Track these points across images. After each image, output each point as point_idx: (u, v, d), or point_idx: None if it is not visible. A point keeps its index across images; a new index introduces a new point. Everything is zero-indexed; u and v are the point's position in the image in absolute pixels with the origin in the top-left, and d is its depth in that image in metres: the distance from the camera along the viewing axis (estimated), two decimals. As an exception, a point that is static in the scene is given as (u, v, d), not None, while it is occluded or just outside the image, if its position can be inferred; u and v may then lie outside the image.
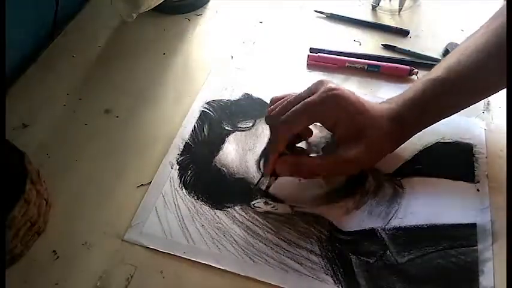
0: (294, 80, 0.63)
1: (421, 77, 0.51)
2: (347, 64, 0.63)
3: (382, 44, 0.66)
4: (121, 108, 0.59)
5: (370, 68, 0.62)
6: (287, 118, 0.46)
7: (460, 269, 0.45)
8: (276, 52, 0.67)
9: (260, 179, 0.52)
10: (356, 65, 0.63)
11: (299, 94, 0.48)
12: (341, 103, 0.46)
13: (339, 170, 0.49)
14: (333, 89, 0.46)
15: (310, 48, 0.66)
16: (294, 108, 0.46)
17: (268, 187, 0.50)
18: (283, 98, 0.50)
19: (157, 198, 0.50)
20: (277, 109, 0.48)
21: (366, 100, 0.49)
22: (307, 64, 0.64)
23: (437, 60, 0.61)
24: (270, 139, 0.52)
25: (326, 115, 0.47)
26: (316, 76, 0.63)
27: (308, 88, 0.48)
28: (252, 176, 0.52)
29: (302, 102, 0.46)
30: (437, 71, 0.49)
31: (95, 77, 0.64)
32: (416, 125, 0.50)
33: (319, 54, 0.64)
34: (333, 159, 0.48)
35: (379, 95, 0.58)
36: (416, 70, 0.61)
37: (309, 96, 0.47)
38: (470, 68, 0.48)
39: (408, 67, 0.61)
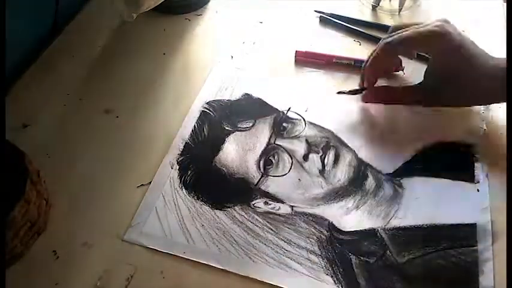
0: (294, 80, 0.63)
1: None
2: (334, 60, 0.64)
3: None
4: (121, 108, 0.59)
5: (357, 64, 0.62)
6: (399, 38, 0.53)
7: (460, 269, 0.45)
8: (276, 52, 0.67)
9: (260, 179, 0.52)
10: (343, 61, 0.64)
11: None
12: (446, 37, 0.51)
13: (427, 103, 0.56)
14: (440, 25, 0.52)
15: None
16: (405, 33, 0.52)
17: None
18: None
19: (157, 198, 0.51)
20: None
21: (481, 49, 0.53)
22: (295, 60, 0.65)
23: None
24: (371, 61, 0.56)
25: (429, 44, 0.53)
26: (315, 73, 0.63)
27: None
28: (252, 176, 0.52)
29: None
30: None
31: (95, 77, 0.64)
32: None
33: (306, 50, 0.65)
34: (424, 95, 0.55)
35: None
36: (403, 66, 0.61)
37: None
38: None
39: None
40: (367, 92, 0.58)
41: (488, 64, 0.52)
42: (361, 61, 0.61)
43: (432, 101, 0.56)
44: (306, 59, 0.64)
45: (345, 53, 0.65)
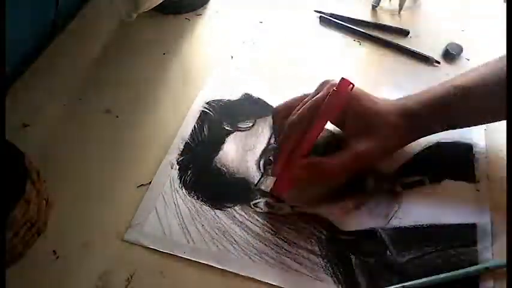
0: (294, 80, 0.63)
1: (442, 82, 0.51)
2: None
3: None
4: (121, 108, 0.59)
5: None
6: (297, 118, 0.47)
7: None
8: (276, 52, 0.67)
9: (260, 179, 0.52)
10: None
11: (307, 95, 0.49)
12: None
13: (355, 166, 0.48)
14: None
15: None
16: (302, 108, 0.47)
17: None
18: (289, 103, 0.50)
19: (157, 198, 0.50)
20: (292, 113, 0.48)
21: (374, 96, 0.49)
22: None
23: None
24: (278, 141, 0.51)
25: None
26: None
27: (315, 90, 0.49)
28: (252, 176, 0.52)
29: (310, 101, 0.47)
30: (461, 79, 0.50)
31: (95, 77, 0.64)
32: (427, 125, 0.50)
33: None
34: (349, 155, 0.47)
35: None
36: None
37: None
38: (494, 84, 0.48)
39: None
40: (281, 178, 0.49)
41: (380, 101, 0.50)
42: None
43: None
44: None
45: (345, 53, 0.65)
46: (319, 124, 0.47)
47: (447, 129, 0.51)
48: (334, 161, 0.48)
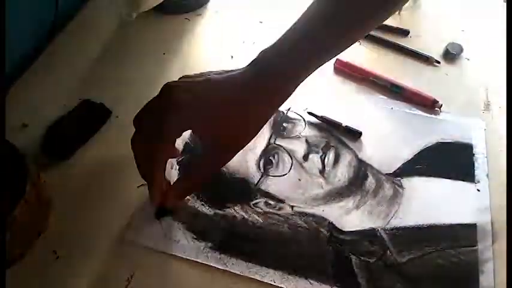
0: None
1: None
2: (371, 78, 0.62)
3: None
4: (121, 108, 0.59)
5: (393, 88, 0.61)
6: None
7: (460, 269, 0.45)
8: (276, 52, 0.66)
9: (260, 179, 0.52)
10: (380, 81, 0.61)
11: None
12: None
13: (223, 162, 0.45)
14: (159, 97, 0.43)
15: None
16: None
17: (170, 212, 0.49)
18: None
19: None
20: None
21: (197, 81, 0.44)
22: (334, 68, 0.64)
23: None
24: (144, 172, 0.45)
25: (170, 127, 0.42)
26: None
27: None
28: (252, 176, 0.52)
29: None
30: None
31: (95, 77, 0.64)
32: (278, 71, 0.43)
33: (347, 61, 0.63)
34: (212, 156, 0.44)
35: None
36: (440, 103, 0.58)
37: None
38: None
39: (432, 97, 0.59)
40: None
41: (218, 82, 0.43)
42: (398, 86, 0.60)
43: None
44: (344, 69, 0.63)
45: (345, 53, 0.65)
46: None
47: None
48: (204, 163, 0.45)
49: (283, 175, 0.52)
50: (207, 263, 0.46)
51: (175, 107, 0.41)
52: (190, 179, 0.47)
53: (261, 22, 0.71)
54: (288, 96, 0.44)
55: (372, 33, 0.68)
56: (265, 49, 0.44)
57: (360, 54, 0.66)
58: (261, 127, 0.44)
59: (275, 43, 0.44)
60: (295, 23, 0.44)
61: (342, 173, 0.52)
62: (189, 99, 0.41)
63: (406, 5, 0.70)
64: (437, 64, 0.64)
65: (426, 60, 0.64)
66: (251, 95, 0.42)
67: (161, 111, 0.41)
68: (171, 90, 0.42)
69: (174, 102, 0.41)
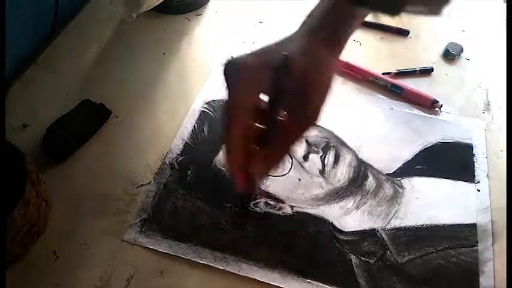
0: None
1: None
2: (371, 78, 0.62)
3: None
4: (121, 108, 0.59)
5: (393, 88, 0.61)
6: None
7: (460, 269, 0.45)
8: (276, 52, 0.66)
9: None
10: (379, 81, 0.61)
11: None
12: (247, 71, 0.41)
13: (309, 124, 0.42)
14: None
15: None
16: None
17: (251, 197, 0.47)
18: None
19: (157, 198, 0.50)
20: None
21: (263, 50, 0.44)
22: None
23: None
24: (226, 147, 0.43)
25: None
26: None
27: None
28: (252, 176, 0.52)
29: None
30: None
31: (95, 77, 0.64)
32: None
33: (346, 61, 0.63)
34: (299, 117, 0.41)
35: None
36: (440, 103, 0.58)
37: None
38: None
39: (432, 98, 0.59)
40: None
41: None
42: (398, 86, 0.60)
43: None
44: (344, 69, 0.63)
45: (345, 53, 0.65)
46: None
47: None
48: (291, 128, 0.42)
49: (283, 175, 0.52)
50: (206, 263, 0.46)
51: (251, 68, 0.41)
52: (277, 145, 0.42)
53: (261, 22, 0.71)
54: (344, 42, 0.45)
55: (372, 33, 0.68)
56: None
57: (360, 54, 0.66)
58: (333, 77, 0.43)
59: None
60: None
61: (342, 173, 0.52)
62: (262, 60, 0.41)
63: (406, 5, 0.71)
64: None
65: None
66: (315, 45, 0.43)
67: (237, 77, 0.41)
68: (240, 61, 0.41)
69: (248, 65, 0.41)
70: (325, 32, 0.43)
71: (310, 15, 0.46)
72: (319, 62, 0.42)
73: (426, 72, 0.63)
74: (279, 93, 0.40)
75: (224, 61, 0.41)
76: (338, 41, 0.44)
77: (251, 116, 0.42)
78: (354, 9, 0.44)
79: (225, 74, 0.41)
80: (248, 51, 0.42)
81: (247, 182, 0.44)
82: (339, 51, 0.45)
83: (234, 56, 0.41)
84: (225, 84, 0.41)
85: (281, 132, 0.42)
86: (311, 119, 0.42)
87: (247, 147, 0.42)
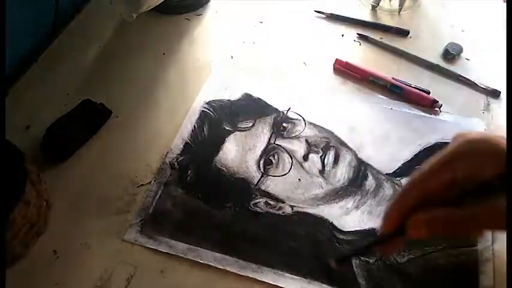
0: (294, 80, 0.63)
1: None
2: (370, 78, 0.62)
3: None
4: (121, 108, 0.59)
5: (393, 88, 0.60)
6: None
7: (460, 269, 0.45)
8: (276, 52, 0.67)
9: (260, 179, 0.52)
10: (379, 81, 0.61)
11: None
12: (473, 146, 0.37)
13: (494, 223, 0.36)
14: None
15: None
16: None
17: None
18: None
19: (157, 198, 0.50)
20: None
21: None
22: (334, 68, 0.64)
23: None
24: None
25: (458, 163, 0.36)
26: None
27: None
28: (252, 176, 0.52)
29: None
30: None
31: (95, 77, 0.64)
32: None
33: (346, 61, 0.63)
34: (487, 208, 0.35)
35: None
36: (440, 103, 0.58)
37: None
38: None
39: (431, 97, 0.58)
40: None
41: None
42: (397, 86, 0.60)
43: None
44: (343, 69, 0.63)
45: (345, 54, 0.65)
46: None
47: None
48: (469, 212, 0.35)
49: (283, 175, 0.52)
50: (206, 263, 0.46)
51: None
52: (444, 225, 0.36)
53: (261, 22, 0.71)
54: None
55: (372, 33, 0.68)
56: None
57: (360, 54, 0.66)
58: None
59: None
60: None
61: (342, 173, 0.52)
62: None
63: (406, 4, 0.71)
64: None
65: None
66: None
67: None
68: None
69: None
70: None
71: None
72: None
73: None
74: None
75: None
76: None
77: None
78: None
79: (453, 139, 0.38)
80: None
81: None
82: None
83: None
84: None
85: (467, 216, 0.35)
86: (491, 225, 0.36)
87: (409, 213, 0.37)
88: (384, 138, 0.56)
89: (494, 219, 0.35)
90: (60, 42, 0.68)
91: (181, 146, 0.55)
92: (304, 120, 0.57)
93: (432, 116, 0.58)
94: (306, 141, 0.55)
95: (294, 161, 0.53)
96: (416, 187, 0.37)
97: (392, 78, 0.61)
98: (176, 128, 0.57)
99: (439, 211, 0.35)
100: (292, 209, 0.50)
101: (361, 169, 0.53)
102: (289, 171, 0.52)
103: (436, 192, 0.36)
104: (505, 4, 0.72)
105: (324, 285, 0.44)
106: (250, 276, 0.45)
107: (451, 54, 0.64)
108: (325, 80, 0.62)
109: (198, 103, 0.60)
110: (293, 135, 0.56)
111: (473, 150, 0.37)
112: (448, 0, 0.74)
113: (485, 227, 0.37)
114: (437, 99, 0.58)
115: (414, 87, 0.60)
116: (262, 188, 0.51)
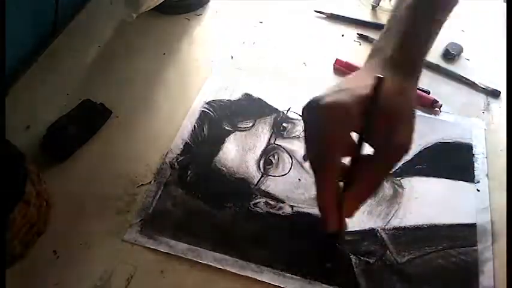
0: (294, 80, 0.63)
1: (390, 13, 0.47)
2: None
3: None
4: (121, 108, 0.59)
5: None
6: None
7: (460, 269, 0.45)
8: (276, 52, 0.67)
9: (260, 179, 0.52)
10: None
11: None
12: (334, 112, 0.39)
13: (397, 156, 0.40)
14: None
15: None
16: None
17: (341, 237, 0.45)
18: None
19: (157, 198, 0.50)
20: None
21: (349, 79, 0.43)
22: (334, 68, 0.64)
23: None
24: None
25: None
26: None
27: None
28: (252, 176, 0.52)
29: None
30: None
31: (95, 77, 0.64)
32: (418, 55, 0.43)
33: (346, 61, 0.63)
34: (388, 148, 0.39)
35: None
36: (440, 103, 0.58)
37: None
38: None
39: (431, 97, 0.59)
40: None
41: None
42: None
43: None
44: (344, 69, 0.63)
45: (345, 54, 0.65)
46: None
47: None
48: (376, 165, 0.40)
49: (283, 175, 0.52)
50: (206, 263, 0.46)
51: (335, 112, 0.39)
52: (367, 182, 0.40)
53: (261, 22, 0.71)
54: (420, 68, 0.43)
55: (372, 33, 0.68)
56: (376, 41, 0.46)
57: (360, 54, 0.66)
58: (415, 107, 0.41)
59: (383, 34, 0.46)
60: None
61: (342, 173, 0.52)
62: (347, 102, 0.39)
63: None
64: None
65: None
66: (395, 74, 0.41)
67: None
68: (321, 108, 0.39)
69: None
70: (402, 59, 0.42)
71: (380, 46, 0.45)
72: (401, 90, 0.41)
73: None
74: (367, 127, 0.39)
75: (307, 103, 0.40)
76: (415, 67, 0.43)
77: (342, 156, 0.40)
78: (428, 30, 0.44)
79: (309, 115, 0.40)
80: (324, 92, 0.40)
81: (338, 221, 0.41)
82: (418, 78, 0.43)
83: (313, 97, 0.40)
84: (312, 126, 0.40)
85: (369, 168, 0.40)
86: (399, 151, 0.39)
87: (338, 188, 0.41)
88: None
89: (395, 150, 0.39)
90: (60, 42, 0.68)
91: (181, 146, 0.55)
92: (304, 120, 0.57)
93: (432, 116, 0.58)
94: (306, 141, 0.55)
95: (294, 161, 0.53)
96: (331, 178, 0.40)
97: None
98: (176, 128, 0.57)
99: (361, 185, 0.40)
100: (292, 209, 0.50)
101: (361, 169, 0.53)
102: (289, 171, 0.52)
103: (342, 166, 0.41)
104: (505, 4, 0.72)
105: (323, 285, 0.44)
106: (250, 276, 0.45)
107: (451, 54, 0.65)
108: (325, 80, 0.62)
109: (198, 103, 0.60)
110: (293, 135, 0.56)
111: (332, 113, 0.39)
112: (448, 0, 0.73)
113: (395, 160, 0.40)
114: (437, 99, 0.58)
115: (414, 87, 0.60)
116: (262, 188, 0.51)
